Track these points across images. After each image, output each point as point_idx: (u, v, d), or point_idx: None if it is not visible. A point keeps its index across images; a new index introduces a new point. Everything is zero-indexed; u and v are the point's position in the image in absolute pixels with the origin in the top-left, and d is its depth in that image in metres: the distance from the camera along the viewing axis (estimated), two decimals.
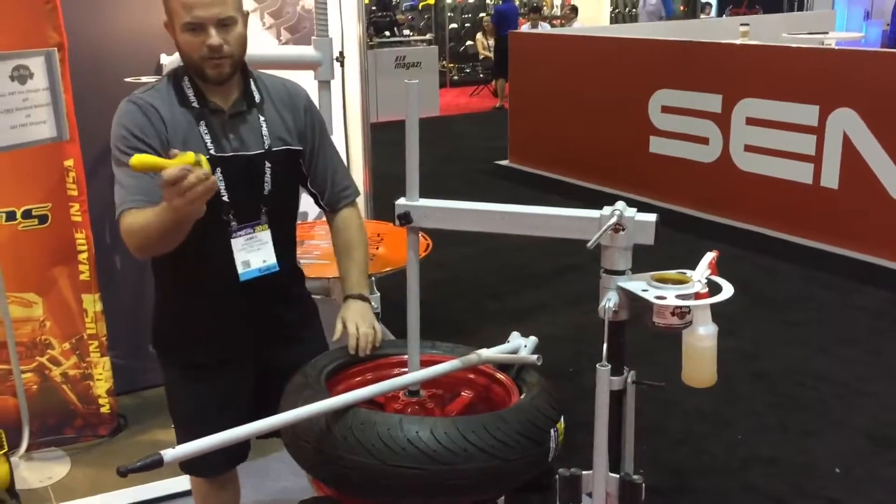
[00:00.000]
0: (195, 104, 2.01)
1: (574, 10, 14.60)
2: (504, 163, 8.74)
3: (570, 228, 1.80)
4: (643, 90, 7.08)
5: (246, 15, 2.01)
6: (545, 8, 16.40)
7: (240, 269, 2.07)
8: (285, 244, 2.20)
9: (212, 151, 1.99)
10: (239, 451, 2.26)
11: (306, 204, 4.05)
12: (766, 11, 15.71)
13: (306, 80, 3.31)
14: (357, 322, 2.10)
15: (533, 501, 1.88)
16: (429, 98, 12.27)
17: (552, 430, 1.79)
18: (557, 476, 1.85)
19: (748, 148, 6.33)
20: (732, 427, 3.59)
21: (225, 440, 1.69)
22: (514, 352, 2.03)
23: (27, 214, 3.23)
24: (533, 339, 2.06)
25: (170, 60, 3.35)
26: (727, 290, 1.73)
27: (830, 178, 5.80)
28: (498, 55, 12.55)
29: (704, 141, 6.65)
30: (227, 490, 2.41)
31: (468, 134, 11.05)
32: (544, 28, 12.96)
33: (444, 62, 15.26)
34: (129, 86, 3.56)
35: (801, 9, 16.78)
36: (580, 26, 13.93)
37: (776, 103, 6.08)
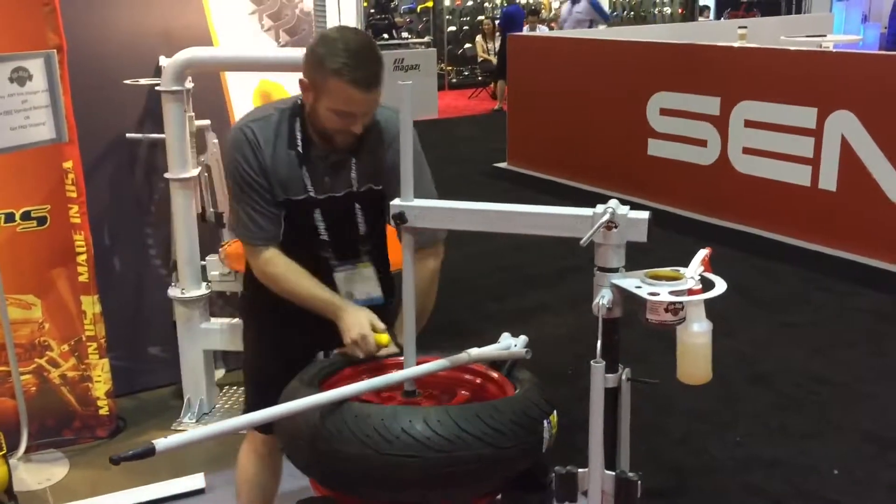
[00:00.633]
0: (300, 149, 2.15)
1: None
2: (503, 165, 8.74)
3: (563, 227, 1.80)
4: (641, 93, 7.09)
5: None
6: (543, 11, 16.43)
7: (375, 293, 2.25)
8: (387, 277, 2.38)
9: (311, 194, 2.17)
10: None
11: None
12: (764, 14, 15.73)
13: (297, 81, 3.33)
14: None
15: (531, 501, 1.88)
16: (427, 100, 12.27)
17: (545, 421, 1.80)
18: (554, 474, 1.85)
19: (746, 150, 6.33)
20: (731, 428, 3.59)
21: (215, 432, 1.72)
22: (505, 350, 2.04)
23: (26, 216, 3.24)
24: (523, 339, 2.06)
25: (168, 62, 3.36)
26: (720, 286, 1.74)
27: (828, 180, 5.80)
28: (502, 58, 12.58)
29: (703, 143, 6.65)
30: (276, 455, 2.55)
31: (466, 136, 11.07)
32: (543, 31, 12.98)
33: (442, 65, 15.27)
34: (128, 87, 3.58)
35: (798, 12, 16.80)
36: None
37: (774, 106, 6.09)
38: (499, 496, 1.94)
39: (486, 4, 16.12)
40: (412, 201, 1.90)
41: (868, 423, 3.60)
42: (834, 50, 6.99)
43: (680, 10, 17.41)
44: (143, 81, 3.60)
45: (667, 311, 1.71)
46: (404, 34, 14.61)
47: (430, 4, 15.87)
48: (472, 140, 10.72)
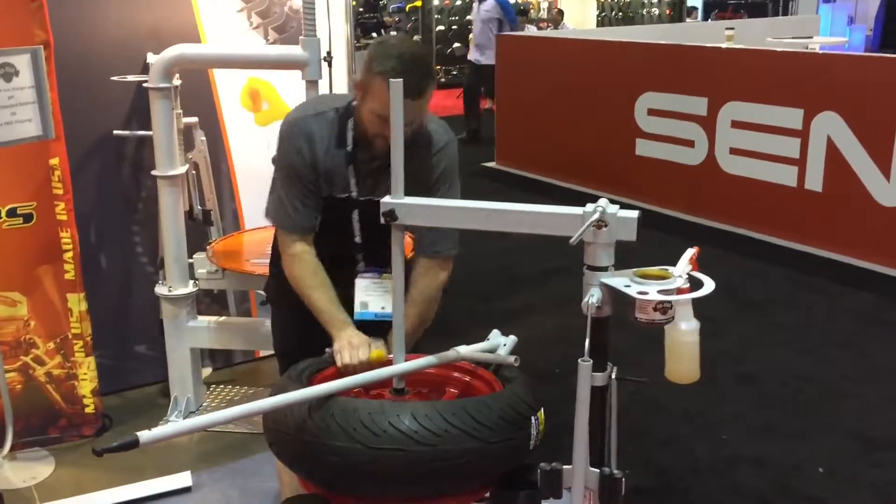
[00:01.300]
0: (349, 149, 2.20)
1: (561, 13, 14.66)
2: (491, 165, 8.74)
3: (553, 225, 1.81)
4: (629, 93, 7.10)
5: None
6: (532, 11, 16.45)
7: (356, 309, 2.24)
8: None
9: (353, 194, 2.23)
10: None
11: None
12: (751, 16, 15.81)
13: (294, 80, 3.34)
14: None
15: (520, 498, 1.89)
16: None
17: (533, 418, 1.81)
18: (539, 470, 1.86)
19: (733, 151, 6.35)
20: (718, 428, 3.60)
21: (199, 425, 1.74)
22: (494, 349, 2.05)
23: (12, 213, 3.22)
24: (512, 338, 2.07)
25: (156, 59, 3.34)
26: (708, 285, 1.75)
27: (815, 181, 5.83)
28: None
29: (690, 144, 6.67)
30: None
31: (455, 135, 11.05)
32: (531, 31, 13.00)
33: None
34: (115, 84, 3.57)
35: (785, 13, 16.90)
36: (572, 28, 14.01)
37: (761, 106, 6.11)
38: (487, 494, 1.94)
39: (475, 4, 16.12)
40: (402, 198, 1.91)
41: (853, 422, 3.62)
42: (820, 51, 7.02)
43: (668, 12, 17.48)
44: (130, 78, 3.59)
45: (656, 309, 1.72)
46: (392, 33, 14.59)
47: (418, 4, 15.85)
48: (460, 140, 10.71)
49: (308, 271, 2.22)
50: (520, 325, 4.55)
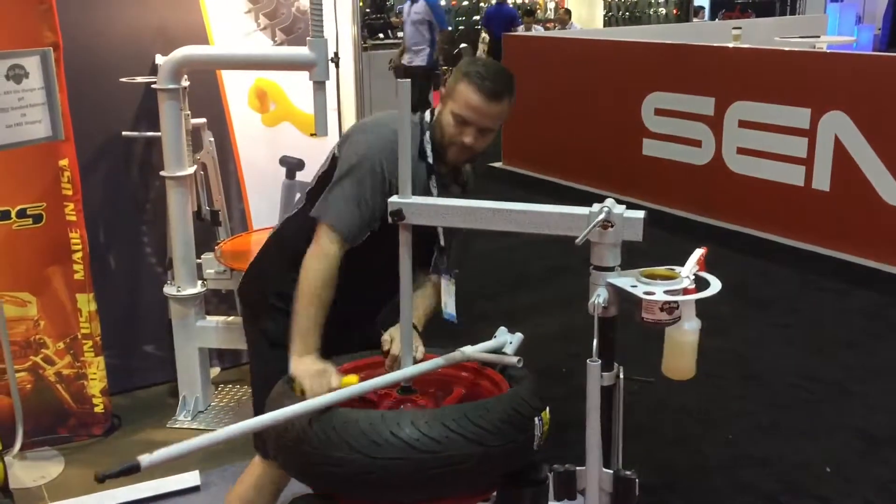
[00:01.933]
0: (430, 160, 2.21)
1: (568, 13, 14.64)
2: (497, 165, 8.76)
3: (559, 225, 1.82)
4: (636, 93, 7.10)
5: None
6: (539, 11, 16.44)
7: (446, 309, 2.25)
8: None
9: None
10: None
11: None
12: (758, 15, 15.78)
13: (302, 81, 3.35)
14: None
15: (525, 496, 1.90)
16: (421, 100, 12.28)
17: (536, 419, 1.81)
18: (552, 472, 1.87)
19: (741, 150, 6.35)
20: (724, 427, 3.60)
21: (200, 444, 1.69)
22: (500, 347, 2.05)
23: (22, 214, 3.24)
24: (518, 336, 2.08)
25: (164, 61, 3.36)
26: (715, 286, 1.75)
27: (822, 180, 5.82)
28: (491, 57, 12.58)
29: (697, 143, 6.67)
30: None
31: None
32: (538, 31, 12.99)
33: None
34: (124, 85, 3.59)
35: (793, 13, 16.86)
36: (579, 28, 13.99)
37: (768, 106, 6.11)
38: (493, 493, 1.95)
39: (482, 4, 16.11)
40: (410, 198, 1.92)
41: (860, 421, 3.62)
42: (827, 51, 7.02)
43: (675, 11, 17.44)
44: (139, 79, 3.61)
45: (662, 310, 1.73)
46: (400, 34, 14.58)
47: None
48: None
49: (328, 277, 2.09)
50: (525, 323, 4.52)
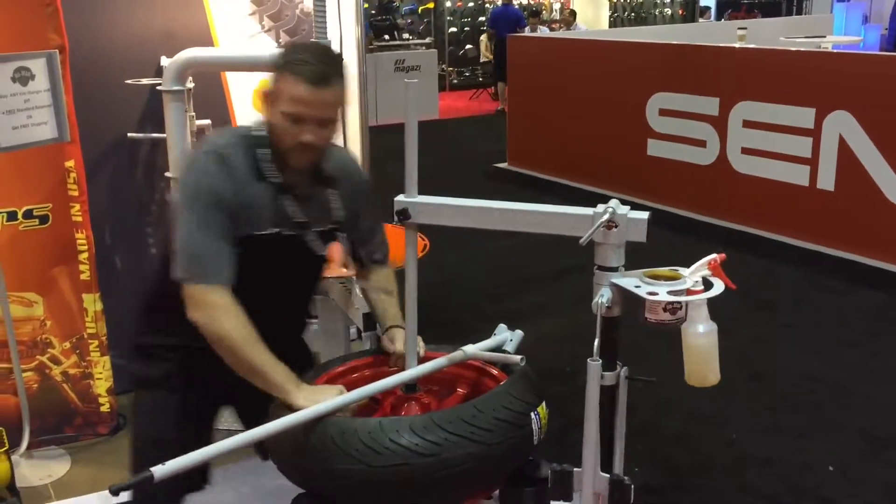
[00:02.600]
0: (275, 179, 1.97)
1: (573, 14, 14.64)
2: (503, 166, 8.77)
3: (564, 225, 1.83)
4: (641, 93, 7.11)
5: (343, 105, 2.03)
6: (544, 12, 16.45)
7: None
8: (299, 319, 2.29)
9: (273, 230, 1.97)
10: (196, 480, 2.20)
11: None
12: (765, 15, 15.76)
13: None
14: None
15: (527, 495, 1.90)
16: (428, 101, 12.30)
17: (533, 414, 1.81)
18: (549, 472, 1.87)
19: (745, 150, 6.36)
20: (728, 427, 3.61)
21: (211, 454, 1.69)
22: (501, 345, 2.06)
23: (28, 215, 3.26)
24: (518, 333, 2.09)
25: (169, 63, 3.38)
26: (717, 287, 1.76)
27: (827, 180, 5.82)
28: (497, 58, 12.59)
29: (702, 144, 6.68)
30: None
31: (467, 137, 11.09)
32: (543, 32, 13.00)
33: (443, 66, 15.29)
34: (129, 87, 3.60)
35: (799, 13, 16.84)
36: (584, 29, 13.99)
37: (773, 106, 6.11)
38: (496, 492, 1.96)
39: (488, 5, 16.13)
40: (416, 197, 1.93)
41: (864, 421, 3.62)
42: (832, 50, 7.02)
43: (680, 12, 17.44)
44: (144, 81, 3.62)
45: (665, 310, 1.74)
46: (405, 35, 14.62)
47: (431, 6, 15.89)
48: (472, 141, 10.74)
49: (243, 324, 1.86)
50: (530, 323, 4.53)
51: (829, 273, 5.49)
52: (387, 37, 13.49)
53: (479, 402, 1.82)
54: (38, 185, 3.27)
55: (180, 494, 2.15)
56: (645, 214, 1.77)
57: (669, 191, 6.89)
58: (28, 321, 3.35)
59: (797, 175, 6.00)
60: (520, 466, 1.90)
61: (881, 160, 5.50)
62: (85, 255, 3.36)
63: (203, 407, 2.17)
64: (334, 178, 2.09)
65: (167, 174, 3.45)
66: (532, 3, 16.44)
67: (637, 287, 1.74)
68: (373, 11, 14.27)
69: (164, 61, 3.52)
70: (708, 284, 1.78)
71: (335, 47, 3.89)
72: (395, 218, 1.92)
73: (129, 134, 3.70)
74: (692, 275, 1.78)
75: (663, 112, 6.97)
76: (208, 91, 3.78)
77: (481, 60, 15.19)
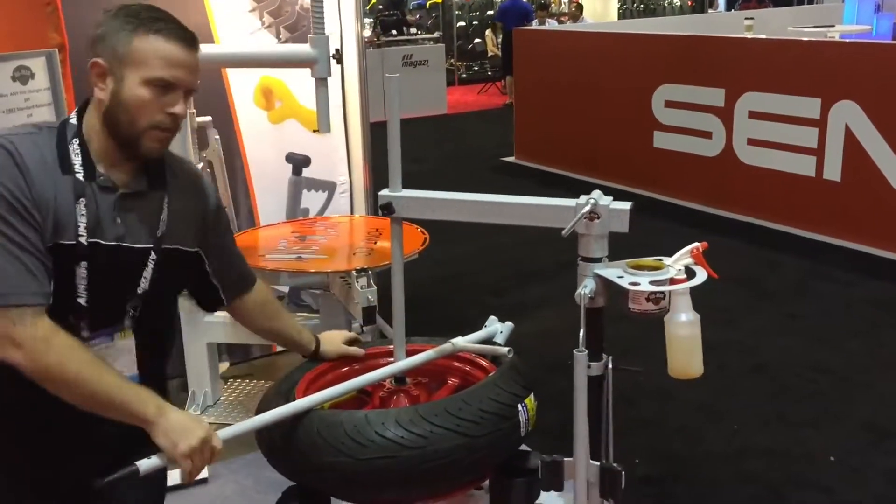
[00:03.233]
0: (80, 175, 1.57)
1: (580, 7, 14.61)
2: (510, 159, 8.77)
3: (546, 217, 1.84)
4: (646, 85, 7.10)
5: None
6: (553, 5, 16.41)
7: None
8: (157, 354, 1.79)
9: (82, 239, 1.56)
10: None
11: (307, 200, 4.14)
12: (776, 5, 15.65)
13: (306, 78, 3.37)
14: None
15: (517, 486, 1.92)
16: (436, 96, 12.32)
17: (520, 406, 1.82)
18: (540, 462, 1.89)
19: (751, 141, 6.34)
20: (729, 418, 3.61)
21: None
22: (491, 337, 2.07)
23: None
24: (508, 325, 2.10)
25: None
26: (700, 277, 1.76)
27: (833, 170, 5.80)
28: (504, 52, 12.58)
29: (707, 135, 6.66)
30: None
31: (475, 131, 11.09)
32: (552, 25, 12.97)
33: (452, 60, 15.29)
34: None
35: (811, 2, 16.71)
36: (591, 21, 13.96)
37: (778, 97, 6.09)
38: (485, 483, 1.97)
39: (496, 0, 16.12)
40: (400, 191, 1.94)
41: (866, 411, 3.61)
42: (837, 40, 6.99)
43: (689, 3, 17.37)
44: None
45: (648, 300, 1.74)
46: (412, 30, 14.63)
47: (439, 0, 15.89)
48: (480, 135, 10.74)
49: (79, 352, 1.53)
50: (532, 317, 4.58)
51: (836, 263, 5.47)
52: (394, 32, 13.50)
53: (465, 395, 1.83)
54: None
55: None
56: (627, 205, 1.78)
57: (676, 183, 6.88)
58: None
59: (803, 166, 5.98)
60: (510, 457, 1.91)
61: (887, 150, 5.48)
62: None
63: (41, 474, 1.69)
64: (169, 183, 1.70)
65: None
66: None
67: (620, 277, 1.75)
68: (380, 7, 14.28)
69: None
70: (691, 274, 1.79)
71: (335, 43, 3.91)
72: (380, 211, 1.93)
73: None
74: (675, 264, 1.79)
75: (669, 104, 6.96)
76: (209, 88, 3.80)
77: (488, 55, 15.17)
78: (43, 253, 1.53)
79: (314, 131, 3.77)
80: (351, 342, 2.14)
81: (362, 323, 3.11)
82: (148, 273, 1.65)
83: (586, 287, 1.76)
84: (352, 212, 4.21)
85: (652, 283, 1.73)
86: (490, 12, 15.91)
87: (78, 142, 1.60)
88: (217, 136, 3.71)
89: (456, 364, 2.12)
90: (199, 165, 3.57)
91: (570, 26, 12.73)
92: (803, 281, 5.23)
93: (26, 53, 3.06)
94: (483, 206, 1.90)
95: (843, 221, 5.72)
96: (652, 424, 3.52)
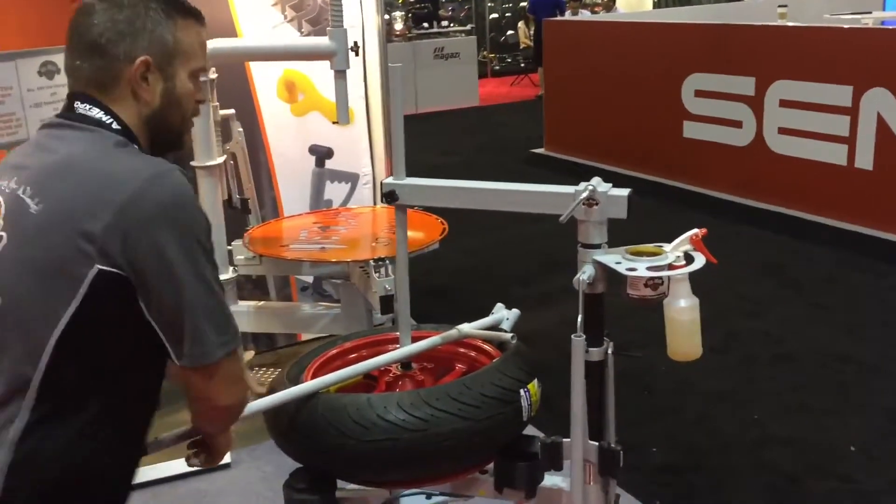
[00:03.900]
0: None
1: None
2: (540, 151, 8.76)
3: (546, 204, 1.86)
4: (676, 75, 7.04)
5: None
6: None
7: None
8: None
9: None
10: None
11: (330, 192, 4.19)
12: None
13: (329, 72, 3.41)
14: None
15: (520, 469, 1.94)
16: (468, 88, 12.32)
17: (522, 391, 1.85)
18: (539, 443, 1.91)
19: (782, 130, 6.27)
20: (750, 407, 3.59)
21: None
22: (497, 324, 2.10)
23: None
24: (515, 312, 2.13)
25: None
26: (698, 262, 1.77)
27: (865, 159, 5.71)
28: (536, 44, 12.54)
29: (738, 124, 6.59)
30: None
31: (506, 123, 11.08)
32: (584, 15, 12.90)
33: (485, 52, 15.27)
34: None
35: None
36: (624, 12, 13.84)
37: (809, 84, 6.01)
38: (489, 466, 2.00)
39: None
40: (403, 179, 1.97)
41: (888, 401, 3.58)
42: (869, 26, 6.87)
43: None
44: None
45: (646, 286, 1.76)
46: (444, 23, 14.64)
47: None
48: (511, 126, 10.73)
49: None
50: (555, 307, 4.58)
51: (867, 253, 5.39)
52: (426, 24, 13.52)
53: (468, 379, 1.86)
54: None
55: None
56: (625, 191, 1.79)
57: (706, 173, 6.83)
58: None
59: (835, 154, 5.89)
60: (514, 441, 1.94)
61: None
62: None
63: None
64: None
65: (192, 163, 3.55)
66: None
67: (618, 263, 1.76)
68: (412, 0, 14.31)
69: None
70: (690, 259, 1.80)
71: (357, 36, 3.95)
72: (383, 199, 1.97)
73: None
74: (673, 250, 1.80)
75: (699, 93, 6.90)
76: (233, 81, 3.87)
77: (521, 47, 15.12)
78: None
79: (334, 122, 3.82)
80: None
81: (379, 312, 3.15)
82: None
83: (585, 273, 1.77)
84: (374, 203, 4.25)
85: (649, 268, 1.74)
86: (523, 4, 15.85)
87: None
88: (240, 129, 3.77)
89: (462, 350, 2.16)
90: (222, 158, 3.64)
91: (598, 16, 12.65)
92: (833, 271, 5.17)
93: (52, 49, 3.14)
94: (484, 193, 1.93)
95: (875, 211, 5.64)
96: (671, 413, 3.52)
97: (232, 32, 3.87)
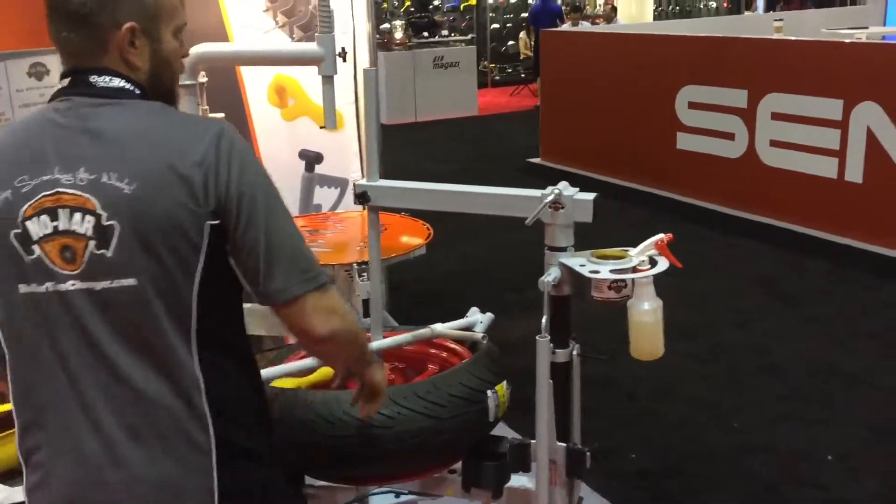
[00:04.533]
0: None
1: (614, 9, 14.58)
2: (536, 160, 8.79)
3: (513, 206, 1.89)
4: (670, 86, 7.09)
5: None
6: (587, 7, 16.38)
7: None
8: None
9: None
10: None
11: (320, 197, 4.22)
12: (818, 6, 15.47)
13: (317, 76, 3.45)
14: None
15: (486, 469, 1.96)
16: (467, 97, 12.36)
17: (490, 391, 1.88)
18: (507, 444, 1.94)
19: (773, 143, 6.30)
20: (732, 416, 3.61)
21: None
22: (471, 326, 2.12)
23: None
24: (489, 315, 2.15)
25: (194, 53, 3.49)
26: (661, 266, 1.80)
27: (854, 172, 5.75)
28: (536, 55, 12.60)
29: (730, 136, 6.63)
30: None
31: (504, 133, 11.12)
32: (585, 27, 12.95)
33: (485, 62, 15.33)
34: None
35: (853, 3, 16.47)
36: (624, 23, 13.91)
37: (800, 98, 6.05)
38: (457, 465, 2.02)
39: (530, 1, 16.12)
40: (376, 182, 2.00)
41: (871, 412, 3.59)
42: (861, 41, 6.91)
43: (725, 4, 17.21)
44: None
45: (610, 288, 1.79)
46: (443, 32, 14.70)
47: (473, 2, 15.93)
48: (508, 136, 10.77)
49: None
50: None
51: (857, 266, 5.42)
52: (426, 34, 13.58)
53: (436, 379, 1.89)
54: None
55: None
56: (591, 196, 1.82)
57: (698, 184, 6.86)
58: None
59: (825, 167, 5.93)
60: (482, 441, 1.96)
61: None
62: None
63: None
64: None
65: None
66: None
67: (582, 266, 1.79)
68: (412, 9, 14.37)
69: None
70: (654, 264, 1.82)
71: (348, 44, 3.99)
72: (356, 201, 2.00)
73: None
74: (638, 254, 1.83)
75: (693, 105, 6.94)
76: (223, 85, 3.89)
77: (521, 57, 15.18)
78: None
79: (321, 127, 3.85)
80: None
81: (360, 316, 3.18)
82: None
83: (550, 275, 1.80)
84: (363, 208, 4.28)
85: (613, 271, 1.77)
86: (524, 14, 15.91)
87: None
88: None
89: (434, 351, 2.18)
90: None
91: (594, 28, 12.70)
92: (822, 283, 5.19)
93: (42, 51, 3.18)
94: (454, 195, 1.96)
95: (864, 223, 5.66)
96: (652, 419, 3.54)
97: (223, 38, 3.91)
